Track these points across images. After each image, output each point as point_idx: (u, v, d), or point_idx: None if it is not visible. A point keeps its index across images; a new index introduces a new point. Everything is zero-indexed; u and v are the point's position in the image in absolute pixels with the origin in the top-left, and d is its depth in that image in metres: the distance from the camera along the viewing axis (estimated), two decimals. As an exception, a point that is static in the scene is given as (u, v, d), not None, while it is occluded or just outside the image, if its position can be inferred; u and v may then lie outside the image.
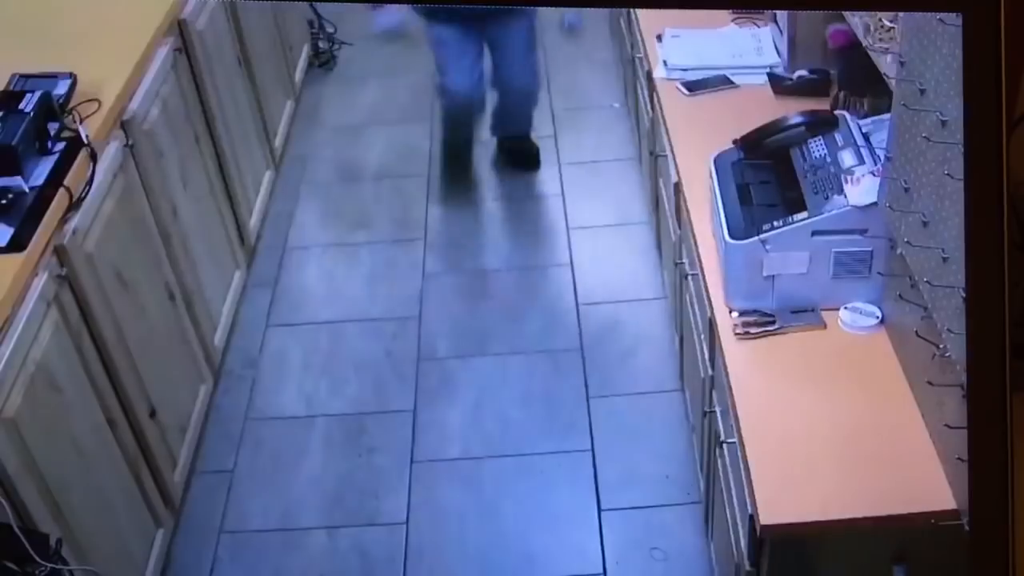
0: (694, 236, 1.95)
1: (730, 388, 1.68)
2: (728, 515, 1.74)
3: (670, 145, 2.17)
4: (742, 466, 1.59)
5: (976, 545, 0.92)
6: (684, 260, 2.15)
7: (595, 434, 2.23)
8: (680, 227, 2.17)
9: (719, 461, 1.80)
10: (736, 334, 1.75)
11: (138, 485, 2.02)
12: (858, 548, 1.49)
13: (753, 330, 1.74)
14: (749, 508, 1.52)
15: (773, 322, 1.75)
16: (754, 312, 1.77)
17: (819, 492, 1.50)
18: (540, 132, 2.99)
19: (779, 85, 2.20)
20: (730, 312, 1.78)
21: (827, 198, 1.68)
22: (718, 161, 1.85)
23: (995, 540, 0.92)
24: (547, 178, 2.98)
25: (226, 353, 2.54)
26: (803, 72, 2.17)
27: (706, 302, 1.86)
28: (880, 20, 1.54)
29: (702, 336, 1.97)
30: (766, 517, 1.48)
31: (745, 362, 1.71)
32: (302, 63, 3.49)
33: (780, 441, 1.58)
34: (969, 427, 0.90)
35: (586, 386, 2.39)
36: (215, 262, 2.56)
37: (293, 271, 2.76)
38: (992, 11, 0.83)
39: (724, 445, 1.73)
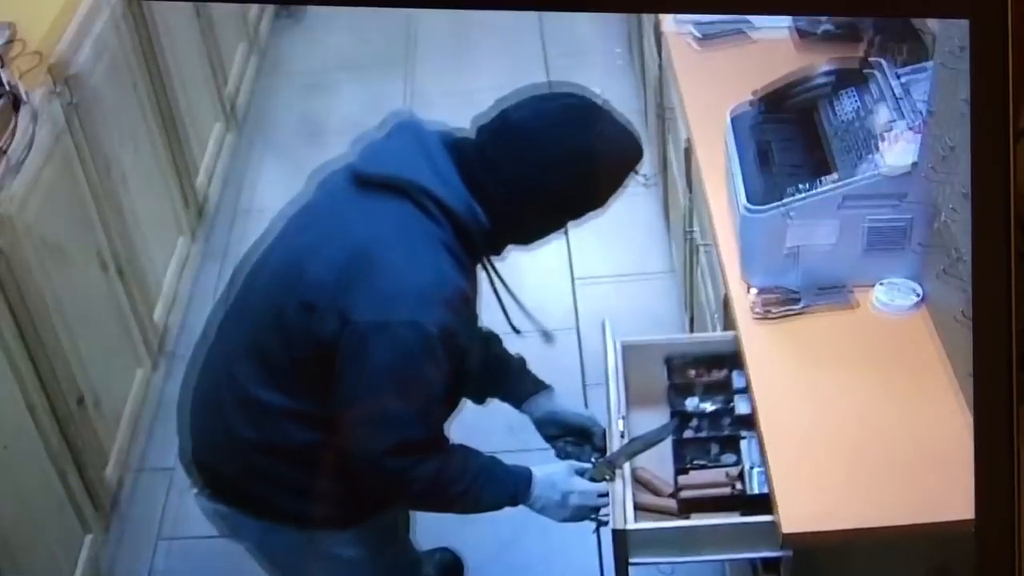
0: (707, 203, 1.95)
1: (747, 377, 1.69)
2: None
3: (680, 100, 2.16)
4: (761, 467, 1.62)
5: (983, 555, 1.01)
6: (695, 230, 2.16)
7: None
8: (691, 192, 2.17)
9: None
10: (754, 315, 1.74)
11: (63, 483, 2.00)
12: (892, 560, 1.50)
13: (774, 310, 1.74)
14: (770, 516, 1.54)
15: (797, 301, 1.74)
16: (775, 290, 1.76)
17: (849, 496, 1.50)
18: (531, 80, 2.94)
19: (803, 34, 2.17)
20: (748, 290, 1.78)
21: (859, 160, 1.68)
22: (735, 119, 1.84)
23: (1002, 550, 1.00)
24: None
25: (168, 332, 2.52)
26: (829, 27, 2.13)
27: (720, 278, 1.86)
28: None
29: (715, 317, 1.98)
30: (789, 524, 1.48)
31: (765, 347, 1.71)
32: (268, 13, 3.45)
33: (804, 437, 1.58)
34: (976, 438, 0.98)
35: (582, 372, 2.38)
36: (158, 228, 2.55)
37: (250, 240, 2.72)
38: (999, 18, 0.90)
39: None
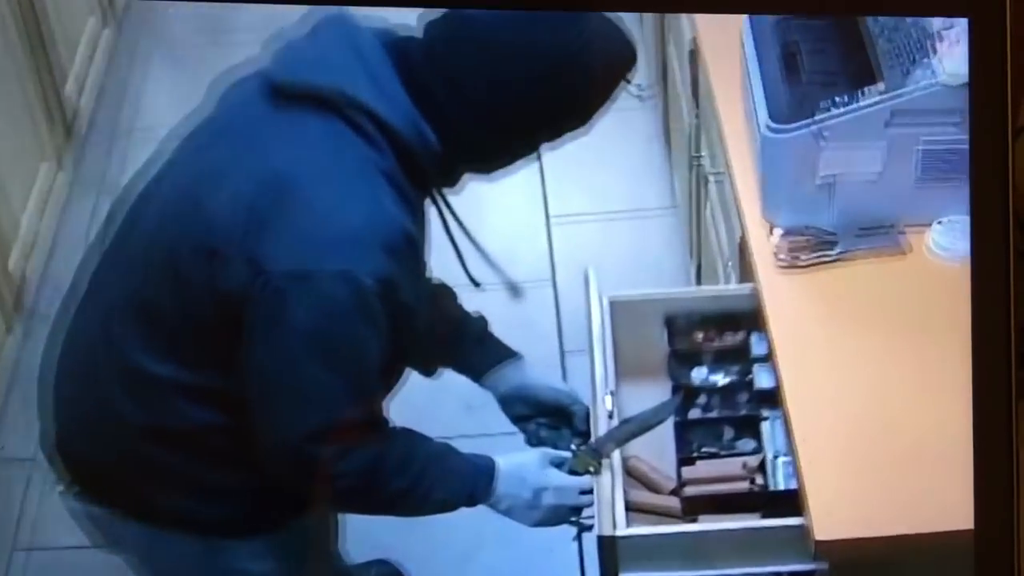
0: (718, 121, 1.96)
1: (770, 341, 1.69)
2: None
3: (684, -11, 2.19)
4: (788, 455, 1.64)
5: (981, 554, 1.20)
6: (703, 156, 2.17)
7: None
8: (697, 108, 2.18)
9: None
10: (779, 263, 1.76)
11: None
12: (945, 571, 1.49)
13: (803, 257, 1.76)
14: (800, 518, 1.55)
15: (832, 245, 1.76)
16: (805, 231, 1.77)
17: (901, 493, 1.51)
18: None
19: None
20: (770, 231, 1.79)
21: (911, 66, 1.69)
22: (754, 17, 1.85)
23: (1001, 548, 1.18)
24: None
25: (26, 285, 2.49)
26: None
27: (735, 217, 1.88)
28: None
29: (729, 265, 2.00)
30: (824, 529, 1.49)
31: (792, 303, 1.73)
32: None
33: (843, 418, 1.58)
34: (975, 436, 1.19)
35: (560, 335, 2.39)
36: (13, 152, 2.53)
37: (133, 168, 2.67)
38: (998, 17, 1.10)
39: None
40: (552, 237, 2.63)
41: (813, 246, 1.76)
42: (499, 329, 1.82)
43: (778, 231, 1.78)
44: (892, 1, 1.25)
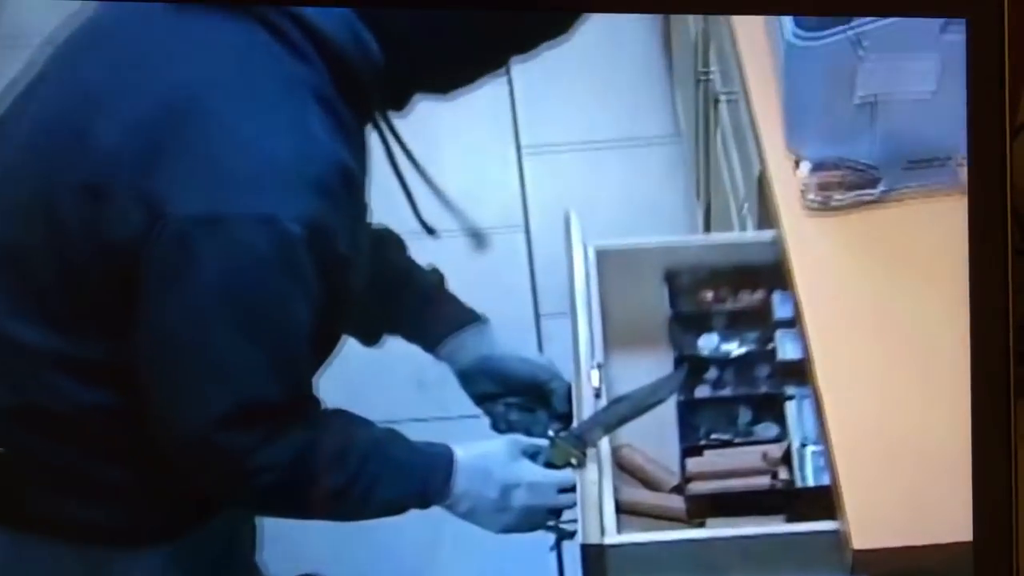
0: (732, 29, 1.99)
1: (797, 302, 1.71)
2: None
3: None
4: (818, 444, 1.66)
5: (979, 552, 1.38)
6: (712, 71, 2.17)
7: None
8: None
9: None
10: (807, 204, 1.78)
11: None
12: None
13: (837, 197, 1.77)
14: (833, 522, 1.56)
15: (874, 183, 1.77)
16: (840, 164, 1.79)
17: (956, 491, 1.48)
18: None
19: None
20: (796, 165, 1.80)
21: None
22: None
23: (999, 548, 1.37)
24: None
25: None
26: None
27: (753, 148, 1.89)
28: None
29: (745, 207, 2.01)
30: (864, 535, 1.50)
31: (823, 253, 1.74)
32: None
33: (884, 399, 1.60)
34: (973, 433, 1.38)
35: (534, 295, 2.39)
36: None
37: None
38: (995, 18, 1.33)
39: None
40: (524, 173, 2.63)
41: (849, 183, 1.78)
42: (458, 287, 1.82)
43: (806, 165, 1.80)
44: (889, 2, 1.45)
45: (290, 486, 1.61)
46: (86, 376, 1.57)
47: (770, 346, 1.80)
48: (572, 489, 1.67)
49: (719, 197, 2.24)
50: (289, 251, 1.50)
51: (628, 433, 1.73)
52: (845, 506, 1.52)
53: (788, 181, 1.79)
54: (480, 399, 1.81)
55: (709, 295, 1.85)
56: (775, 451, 1.70)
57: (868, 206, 1.77)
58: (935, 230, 1.71)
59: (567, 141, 2.61)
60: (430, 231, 1.72)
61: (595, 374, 1.74)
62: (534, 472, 1.69)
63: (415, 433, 1.68)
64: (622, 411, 1.72)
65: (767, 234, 1.83)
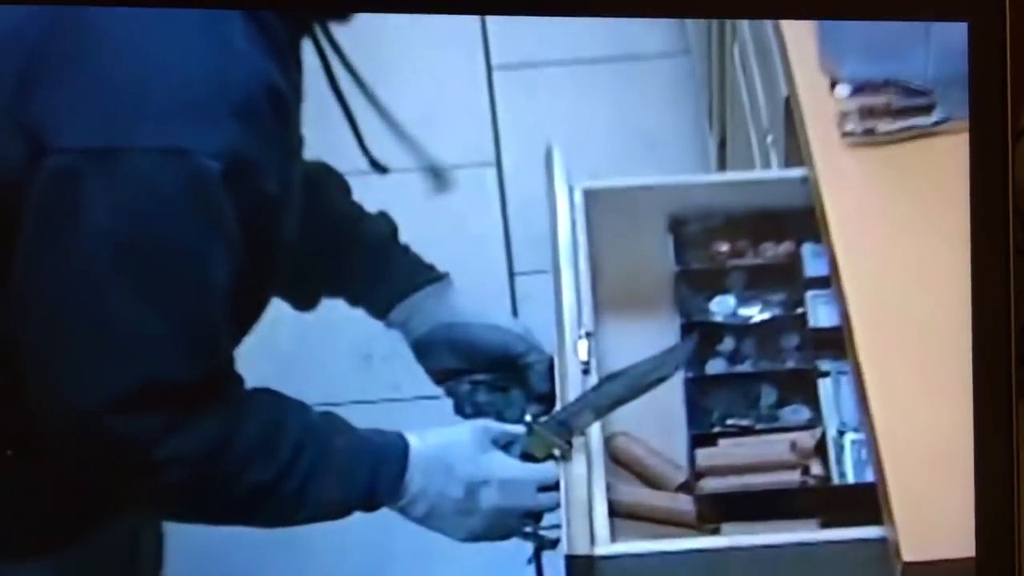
0: None
1: (832, 255, 1.71)
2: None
3: None
4: (859, 431, 1.64)
5: (982, 555, 1.49)
6: None
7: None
8: None
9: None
10: (846, 134, 1.78)
11: None
12: None
13: (883, 126, 1.78)
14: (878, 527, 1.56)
15: (928, 110, 1.77)
16: (885, 87, 1.80)
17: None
18: None
19: None
20: (832, 86, 1.82)
21: None
22: None
23: (1002, 547, 1.49)
24: None
25: None
26: None
27: (779, 65, 1.91)
28: None
29: (769, 139, 2.04)
30: (915, 545, 1.48)
31: (864, 197, 1.76)
32: None
33: (940, 375, 1.57)
34: (975, 434, 1.49)
35: (507, 248, 2.44)
36: None
37: None
38: (997, 21, 1.48)
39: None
40: (496, 97, 2.67)
41: (898, 110, 1.78)
42: (414, 238, 1.82)
43: (844, 87, 1.81)
44: (889, 5, 1.56)
45: (203, 484, 1.60)
46: None
47: (799, 310, 1.81)
48: (554, 487, 1.66)
49: (736, 126, 2.25)
50: (203, 191, 1.49)
51: (624, 418, 1.73)
52: (893, 508, 1.50)
53: (822, 106, 1.80)
54: (441, 376, 1.82)
55: (724, 247, 1.86)
56: (806, 440, 1.70)
57: (920, 138, 1.76)
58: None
59: (547, 59, 2.66)
60: (380, 168, 1.73)
61: (583, 345, 1.74)
62: (507, 466, 1.69)
63: (360, 418, 1.67)
64: (616, 391, 1.71)
65: (796, 172, 1.84)
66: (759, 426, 1.73)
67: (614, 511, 1.62)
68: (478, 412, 1.78)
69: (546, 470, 1.67)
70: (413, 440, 1.66)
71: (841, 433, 1.69)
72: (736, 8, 1.80)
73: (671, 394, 1.74)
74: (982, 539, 1.50)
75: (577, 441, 1.66)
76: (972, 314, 1.51)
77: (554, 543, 1.66)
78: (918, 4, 1.60)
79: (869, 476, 1.60)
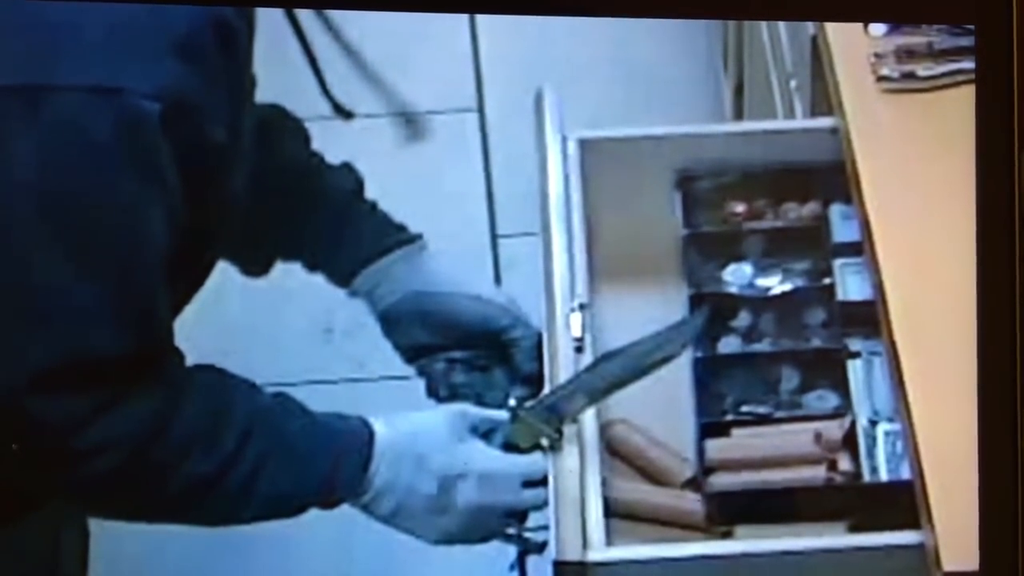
0: None
1: (865, 217, 1.73)
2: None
3: None
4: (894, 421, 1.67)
5: (986, 556, 1.52)
6: None
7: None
8: None
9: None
10: (880, 80, 1.83)
11: None
12: None
13: (923, 70, 1.82)
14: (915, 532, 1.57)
15: (972, 51, 1.69)
16: (924, 28, 1.85)
17: None
18: None
19: None
20: (865, 28, 1.87)
21: None
22: None
23: (1005, 548, 1.52)
24: None
25: None
26: None
27: None
28: None
29: (792, 84, 2.04)
30: (957, 553, 1.48)
31: (902, 151, 1.78)
32: None
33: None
34: (980, 437, 1.53)
35: (490, 208, 2.45)
36: None
37: None
38: (1005, 24, 1.56)
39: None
40: (478, 35, 2.69)
41: (940, 51, 1.82)
42: (383, 193, 1.82)
43: (879, 26, 1.85)
44: (898, 8, 1.66)
45: (135, 475, 1.59)
46: None
47: (826, 281, 1.82)
48: (542, 482, 1.66)
49: (755, 69, 2.25)
50: (138, 136, 1.48)
51: (623, 404, 1.73)
52: (933, 510, 1.51)
53: (855, 48, 1.85)
54: (412, 353, 1.83)
55: (739, 207, 1.87)
56: (833, 430, 1.70)
57: (965, 84, 1.77)
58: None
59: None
60: (344, 113, 1.73)
61: (576, 319, 1.74)
62: (488, 457, 1.69)
63: (318, 401, 1.67)
64: (614, 372, 1.70)
65: (823, 122, 1.87)
66: (779, 414, 1.73)
67: (610, 510, 1.62)
68: (454, 395, 1.77)
69: (532, 462, 1.66)
70: (379, 426, 1.65)
71: (873, 423, 1.70)
72: (737, 8, 1.85)
73: (677, 376, 1.74)
74: (987, 540, 1.52)
75: (568, 429, 1.65)
76: (978, 321, 1.55)
77: (541, 546, 1.66)
78: (925, 6, 1.66)
79: (905, 473, 1.61)
